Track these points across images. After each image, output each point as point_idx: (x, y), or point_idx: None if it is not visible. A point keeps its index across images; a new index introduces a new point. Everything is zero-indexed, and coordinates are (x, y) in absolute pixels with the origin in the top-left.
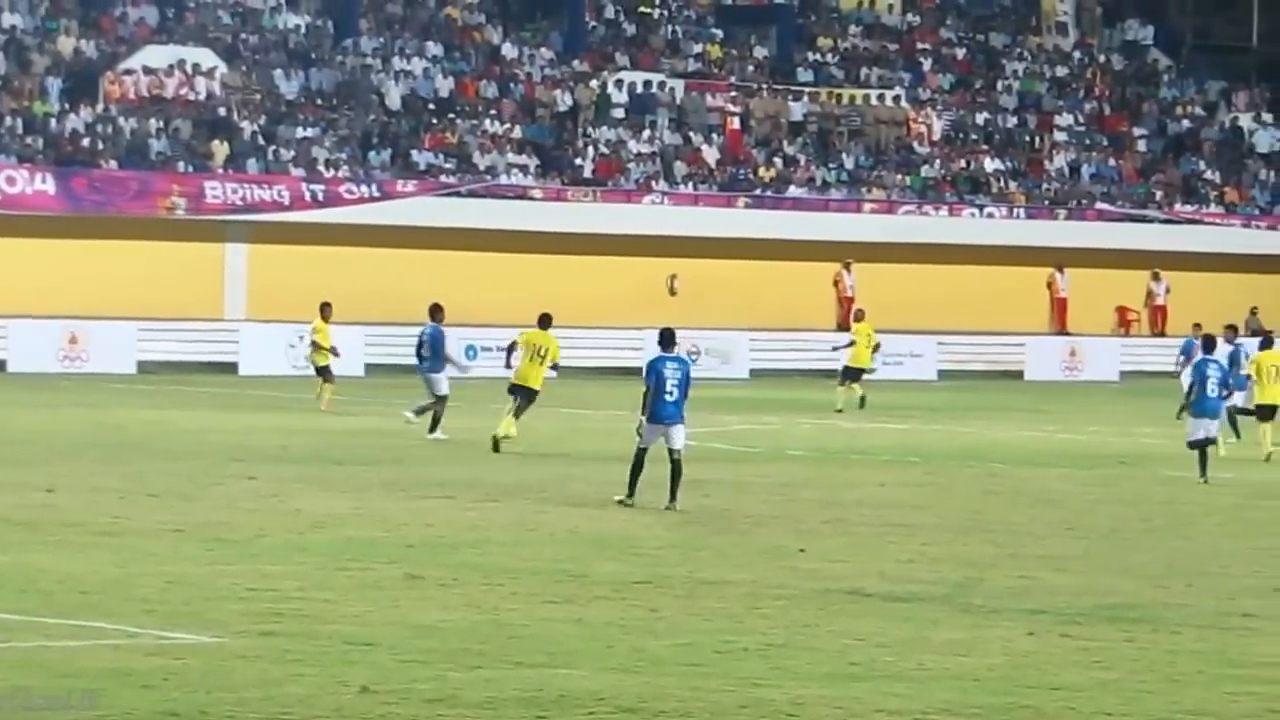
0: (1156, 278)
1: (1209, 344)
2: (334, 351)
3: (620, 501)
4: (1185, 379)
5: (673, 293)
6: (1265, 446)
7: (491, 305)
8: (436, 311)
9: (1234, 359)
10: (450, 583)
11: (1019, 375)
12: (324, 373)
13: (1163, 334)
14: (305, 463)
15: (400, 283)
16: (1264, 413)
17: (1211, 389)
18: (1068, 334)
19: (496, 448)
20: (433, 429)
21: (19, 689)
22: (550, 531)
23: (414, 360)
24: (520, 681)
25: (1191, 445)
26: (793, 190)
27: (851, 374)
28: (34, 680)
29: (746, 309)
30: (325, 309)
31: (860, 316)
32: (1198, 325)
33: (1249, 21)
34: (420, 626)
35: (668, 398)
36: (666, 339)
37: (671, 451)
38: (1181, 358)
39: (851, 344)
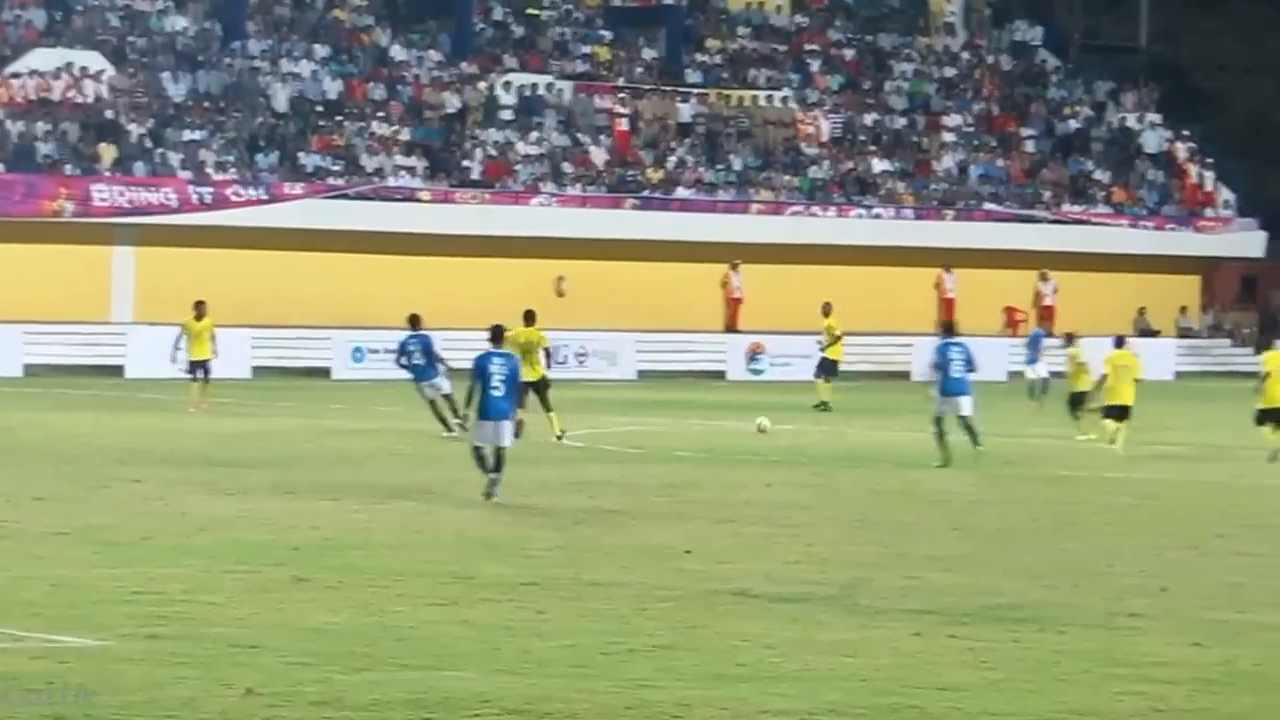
0: (1044, 278)
1: (948, 329)
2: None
3: (487, 496)
4: (1035, 372)
5: (560, 294)
6: (1118, 443)
7: (380, 307)
8: (417, 320)
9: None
10: (336, 585)
11: (906, 376)
12: (202, 369)
13: (1051, 334)
14: (192, 465)
15: (288, 285)
16: (1114, 412)
17: (956, 370)
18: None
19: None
20: (450, 427)
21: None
22: (436, 534)
23: (399, 370)
24: (406, 683)
25: (935, 422)
26: (681, 191)
27: (829, 368)
28: None
29: (634, 310)
30: (199, 307)
31: (828, 311)
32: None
33: (1137, 22)
34: (306, 629)
35: (494, 393)
36: (496, 335)
37: (498, 449)
38: (1029, 352)
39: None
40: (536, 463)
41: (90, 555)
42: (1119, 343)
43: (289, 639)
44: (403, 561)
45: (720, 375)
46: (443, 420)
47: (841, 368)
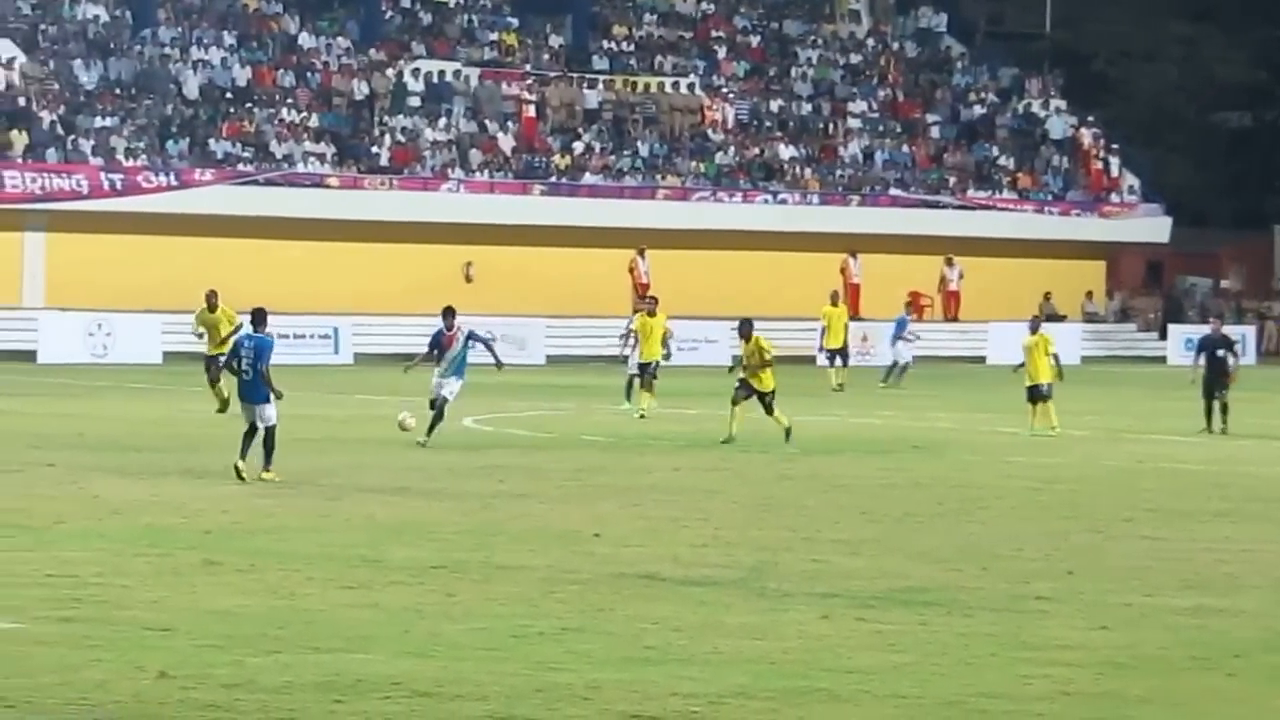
0: (950, 263)
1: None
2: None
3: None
4: (897, 355)
5: (469, 279)
6: (1035, 426)
7: (291, 294)
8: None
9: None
10: (247, 569)
11: (811, 360)
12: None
13: (956, 319)
14: (103, 450)
15: (198, 271)
16: (1033, 394)
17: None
18: (860, 319)
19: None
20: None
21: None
22: (346, 517)
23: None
24: (317, 666)
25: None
26: (588, 178)
27: (841, 354)
28: None
29: (542, 295)
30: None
31: (835, 300)
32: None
33: (1041, 9)
34: (218, 612)
35: (244, 376)
36: (257, 317)
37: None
38: (894, 332)
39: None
40: (444, 449)
41: (3, 539)
42: (1035, 327)
43: (201, 622)
44: (313, 545)
45: (628, 360)
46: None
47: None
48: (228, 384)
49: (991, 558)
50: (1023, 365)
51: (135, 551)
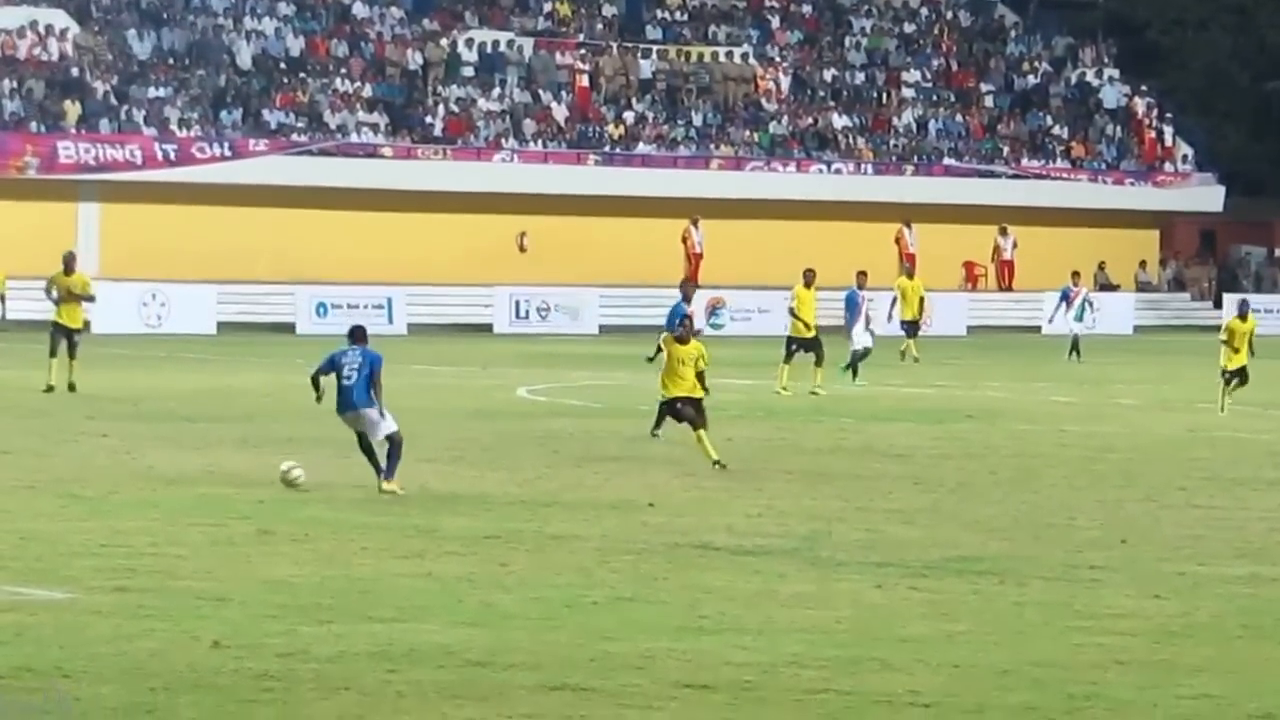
0: (1004, 233)
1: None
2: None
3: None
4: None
5: (522, 249)
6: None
7: (344, 264)
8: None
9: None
10: (301, 538)
11: None
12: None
13: (1010, 289)
14: (157, 420)
15: (252, 241)
16: (1234, 375)
17: None
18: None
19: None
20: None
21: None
22: (400, 487)
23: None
24: (371, 636)
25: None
26: (641, 147)
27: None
28: None
29: (596, 265)
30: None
31: (910, 272)
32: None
33: None
34: (271, 581)
35: (345, 382)
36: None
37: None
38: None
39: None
40: (497, 418)
41: (57, 509)
42: (1243, 312)
43: (255, 592)
44: (367, 515)
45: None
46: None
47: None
48: (60, 362)
49: (1045, 527)
50: (1227, 343)
51: (189, 521)
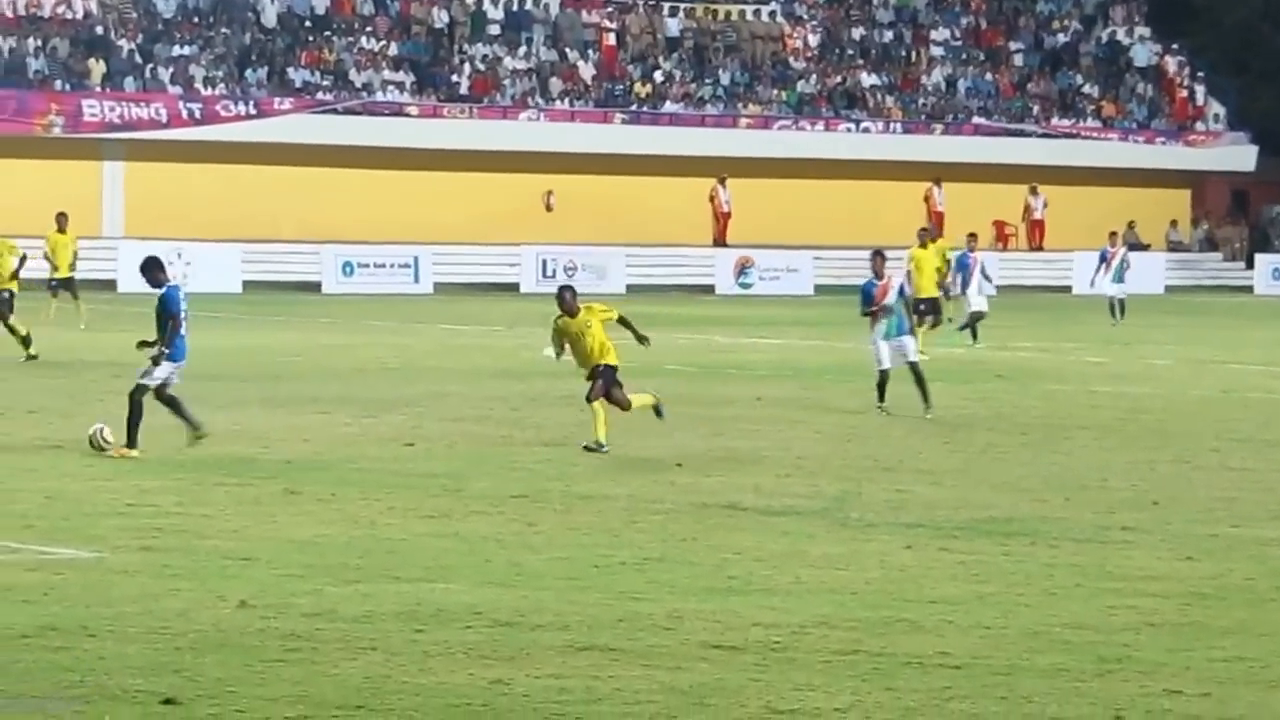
0: (1034, 192)
1: None
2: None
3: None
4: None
5: (549, 209)
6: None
7: (370, 223)
8: None
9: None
10: (328, 498)
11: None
12: (67, 285)
13: (1040, 248)
14: (183, 379)
15: (277, 200)
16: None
17: None
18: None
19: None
20: None
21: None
22: (427, 446)
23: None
24: (398, 596)
25: None
26: (669, 106)
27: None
28: None
29: (623, 224)
30: (61, 219)
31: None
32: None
33: None
34: (298, 541)
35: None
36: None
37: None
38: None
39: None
40: (524, 377)
41: (83, 468)
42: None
43: (282, 551)
44: (393, 475)
45: (709, 289)
46: None
47: (831, 283)
48: (20, 320)
49: (1076, 488)
50: None
51: (215, 481)
